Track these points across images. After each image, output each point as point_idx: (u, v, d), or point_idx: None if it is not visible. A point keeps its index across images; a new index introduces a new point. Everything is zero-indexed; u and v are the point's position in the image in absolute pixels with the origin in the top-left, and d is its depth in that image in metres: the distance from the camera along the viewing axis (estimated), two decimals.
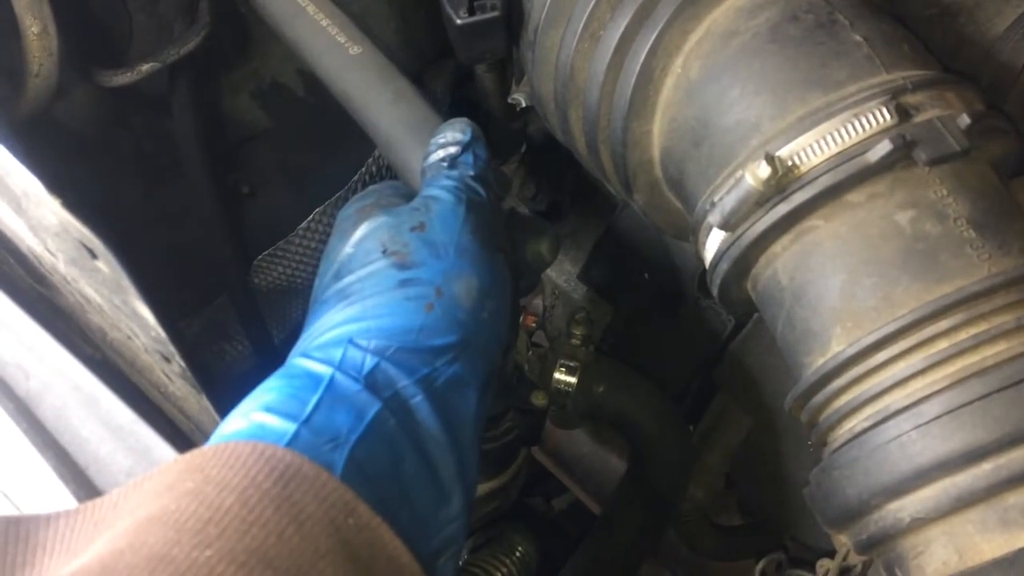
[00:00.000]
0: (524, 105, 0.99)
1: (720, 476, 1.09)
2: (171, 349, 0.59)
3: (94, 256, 0.55)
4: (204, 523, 0.48)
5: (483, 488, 1.01)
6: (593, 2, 0.79)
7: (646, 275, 1.09)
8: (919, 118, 0.64)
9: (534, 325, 1.06)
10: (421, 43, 1.20)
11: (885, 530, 0.60)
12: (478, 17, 0.89)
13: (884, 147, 0.62)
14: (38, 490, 0.55)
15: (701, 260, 0.76)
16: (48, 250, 0.63)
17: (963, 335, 0.59)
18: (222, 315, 1.26)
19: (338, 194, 1.23)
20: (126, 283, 0.54)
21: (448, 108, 1.23)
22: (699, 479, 1.10)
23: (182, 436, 0.75)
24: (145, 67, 1.02)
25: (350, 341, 0.63)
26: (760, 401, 0.97)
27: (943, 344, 0.59)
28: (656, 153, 0.79)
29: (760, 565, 0.80)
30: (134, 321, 0.60)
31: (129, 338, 0.66)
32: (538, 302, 1.27)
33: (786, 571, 0.81)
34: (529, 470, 1.49)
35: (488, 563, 0.96)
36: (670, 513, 1.05)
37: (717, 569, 1.23)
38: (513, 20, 0.91)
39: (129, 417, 0.59)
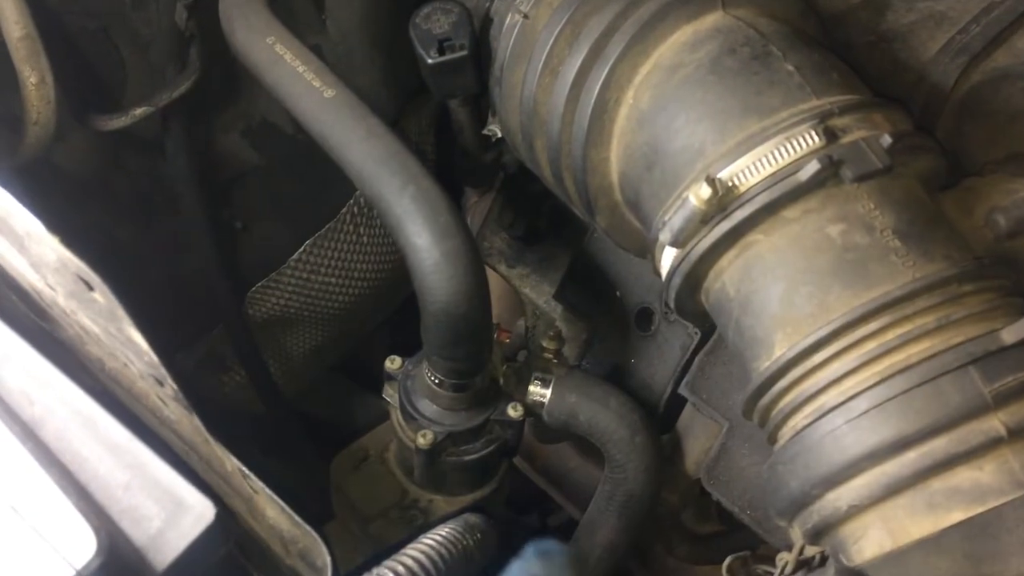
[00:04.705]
0: (499, 136, 1.05)
1: (693, 482, 1.13)
2: (163, 372, 0.64)
3: (90, 288, 0.60)
4: None
5: (465, 500, 1.05)
6: (552, 41, 0.85)
7: (617, 293, 1.14)
8: (845, 139, 0.70)
9: (507, 341, 1.10)
10: (404, 79, 1.25)
11: (826, 519, 0.65)
12: (447, 57, 0.94)
13: (813, 167, 0.67)
14: (44, 505, 0.60)
15: (659, 276, 0.81)
16: (48, 285, 0.68)
17: (889, 336, 0.64)
18: (219, 347, 1.30)
19: (328, 225, 1.27)
20: (120, 312, 0.59)
21: (433, 142, 1.28)
22: (672, 485, 1.15)
23: (177, 458, 0.79)
24: (139, 111, 1.07)
25: None
26: (727, 407, 1.02)
27: (872, 345, 0.65)
28: (614, 178, 0.85)
29: (727, 561, 0.84)
30: (129, 348, 0.65)
31: (125, 365, 0.71)
32: (521, 323, 1.31)
33: (751, 567, 0.86)
34: (524, 489, 1.52)
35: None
36: (645, 519, 1.10)
37: (699, 575, 1.27)
38: (482, 58, 0.96)
39: (125, 436, 0.64)
